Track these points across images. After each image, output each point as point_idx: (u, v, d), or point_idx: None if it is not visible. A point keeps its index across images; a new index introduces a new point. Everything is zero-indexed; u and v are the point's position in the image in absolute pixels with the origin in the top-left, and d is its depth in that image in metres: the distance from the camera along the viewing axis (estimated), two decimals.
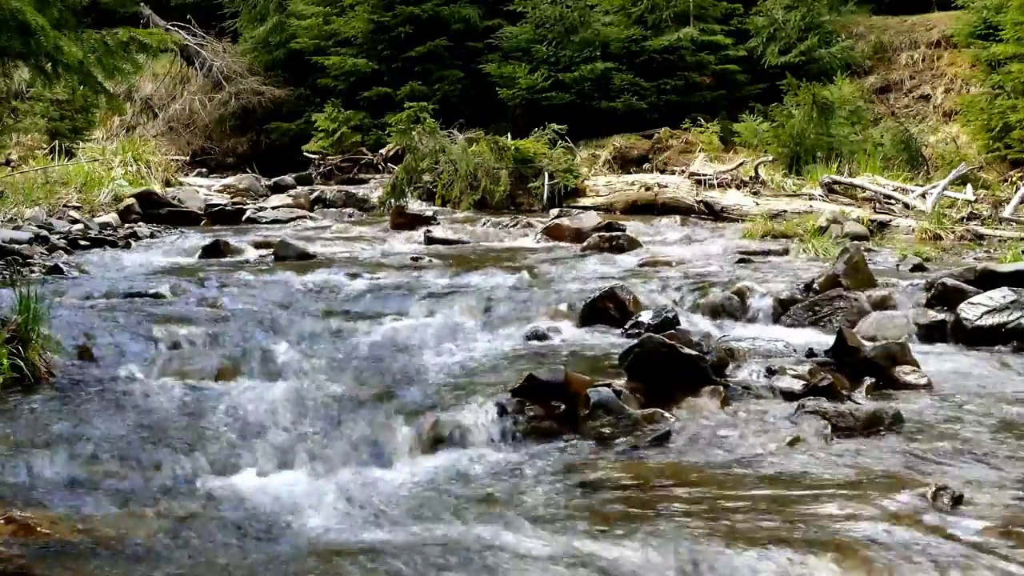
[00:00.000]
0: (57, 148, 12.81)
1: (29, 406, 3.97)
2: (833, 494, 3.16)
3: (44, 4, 5.70)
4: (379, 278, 6.96)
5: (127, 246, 8.93)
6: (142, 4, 18.84)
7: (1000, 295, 5.34)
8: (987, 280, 5.78)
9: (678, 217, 11.08)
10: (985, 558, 2.68)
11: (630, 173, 13.59)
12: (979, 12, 13.71)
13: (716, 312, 5.92)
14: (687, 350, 4.20)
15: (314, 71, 18.47)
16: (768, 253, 8.17)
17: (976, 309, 5.30)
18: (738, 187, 12.01)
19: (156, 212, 10.98)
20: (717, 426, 3.86)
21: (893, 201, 10.38)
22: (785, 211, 10.39)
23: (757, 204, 10.98)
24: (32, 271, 6.96)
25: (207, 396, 4.16)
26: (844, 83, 14.07)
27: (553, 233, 9.50)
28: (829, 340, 4.76)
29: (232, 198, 13.14)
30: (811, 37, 15.60)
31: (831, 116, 12.78)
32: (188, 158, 18.05)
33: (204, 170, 17.64)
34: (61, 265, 7.19)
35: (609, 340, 5.26)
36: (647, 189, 11.89)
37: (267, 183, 15.07)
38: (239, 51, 19.93)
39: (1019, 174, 11.49)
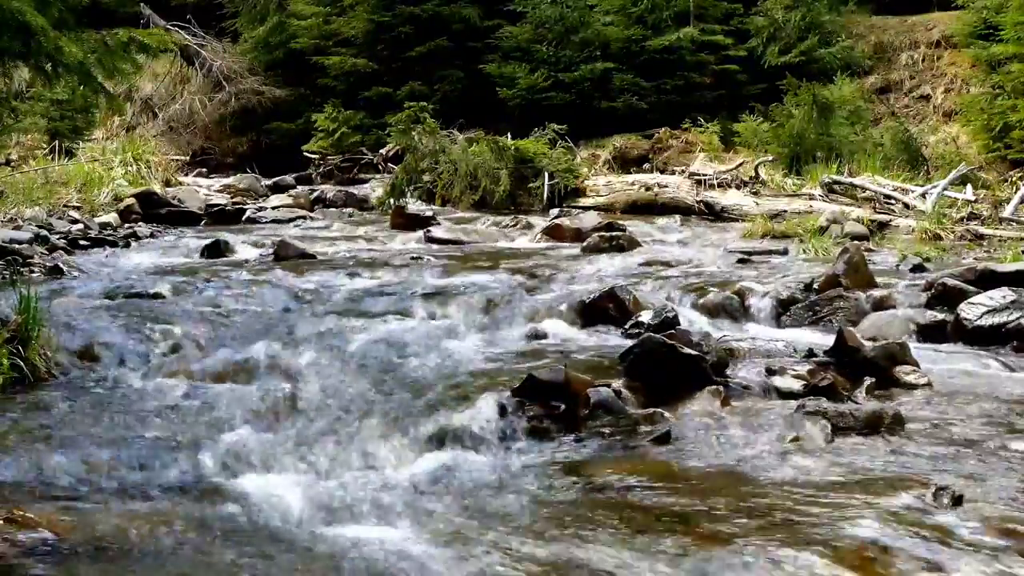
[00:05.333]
0: (57, 148, 12.81)
1: (29, 406, 3.97)
2: (833, 494, 3.16)
3: (44, 4, 5.70)
4: (379, 278, 6.96)
5: (127, 246, 8.94)
6: (142, 4, 18.86)
7: (1000, 295, 5.34)
8: (987, 280, 5.79)
9: (678, 217, 11.09)
10: (985, 558, 2.68)
11: (630, 173, 13.58)
12: (979, 12, 13.71)
13: (716, 312, 5.91)
14: (687, 350, 4.20)
15: (314, 71, 18.48)
16: (768, 253, 8.17)
17: (976, 309, 5.30)
18: (738, 187, 12.01)
19: (156, 212, 10.98)
20: (717, 426, 3.85)
21: (893, 201, 10.38)
22: (785, 211, 10.39)
23: (757, 204, 10.98)
24: (32, 271, 6.96)
25: (207, 396, 4.16)
26: (844, 83, 14.07)
27: (553, 233, 9.50)
28: (829, 340, 4.76)
29: (232, 198, 13.15)
30: (811, 37, 15.60)
31: (831, 116, 12.78)
32: (188, 158, 18.05)
33: (204, 170, 17.64)
34: (61, 265, 7.19)
35: (609, 340, 5.25)
36: (647, 189, 11.89)
37: (267, 183, 15.09)
38: (239, 51, 19.93)
39: (1019, 174, 11.48)
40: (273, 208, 12.16)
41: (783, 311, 5.90)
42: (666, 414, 3.92)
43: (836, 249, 7.44)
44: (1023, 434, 3.76)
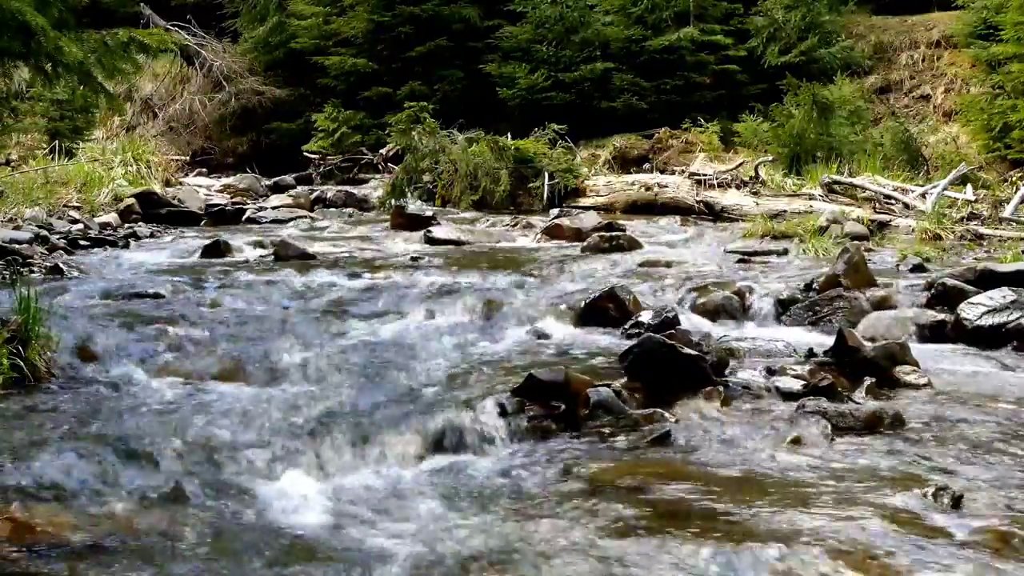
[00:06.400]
0: (57, 148, 12.81)
1: (29, 406, 3.97)
2: (833, 494, 3.16)
3: (44, 4, 5.70)
4: (379, 278, 6.96)
5: (127, 246, 8.93)
6: (142, 4, 18.85)
7: (1000, 295, 5.34)
8: (987, 280, 5.79)
9: (678, 217, 11.08)
10: (985, 558, 2.68)
11: (630, 173, 13.58)
12: (979, 12, 13.71)
13: (716, 312, 5.92)
14: (687, 350, 4.20)
15: (314, 71, 18.47)
16: (768, 253, 8.17)
17: (976, 309, 5.30)
18: (738, 187, 12.00)
19: (156, 212, 10.98)
20: (717, 426, 3.86)
21: (893, 201, 10.37)
22: (785, 211, 10.38)
23: (757, 204, 10.98)
24: (32, 271, 6.96)
25: (207, 396, 4.16)
26: (844, 83, 14.06)
27: (553, 233, 9.50)
28: (829, 340, 4.76)
29: (232, 198, 13.16)
30: (811, 37, 15.59)
31: (831, 116, 12.77)
32: (188, 158, 18.05)
33: (204, 170, 17.64)
34: (61, 265, 7.19)
35: (609, 340, 5.26)
36: (647, 189, 11.89)
37: (267, 183, 15.10)
38: (239, 51, 19.92)
39: (1019, 174, 11.48)
40: (273, 208, 12.16)
41: (783, 311, 5.90)
42: (666, 414, 3.92)
43: (836, 249, 7.43)
44: (1022, 434, 3.77)
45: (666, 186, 11.90)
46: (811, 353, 4.70)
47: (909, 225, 9.41)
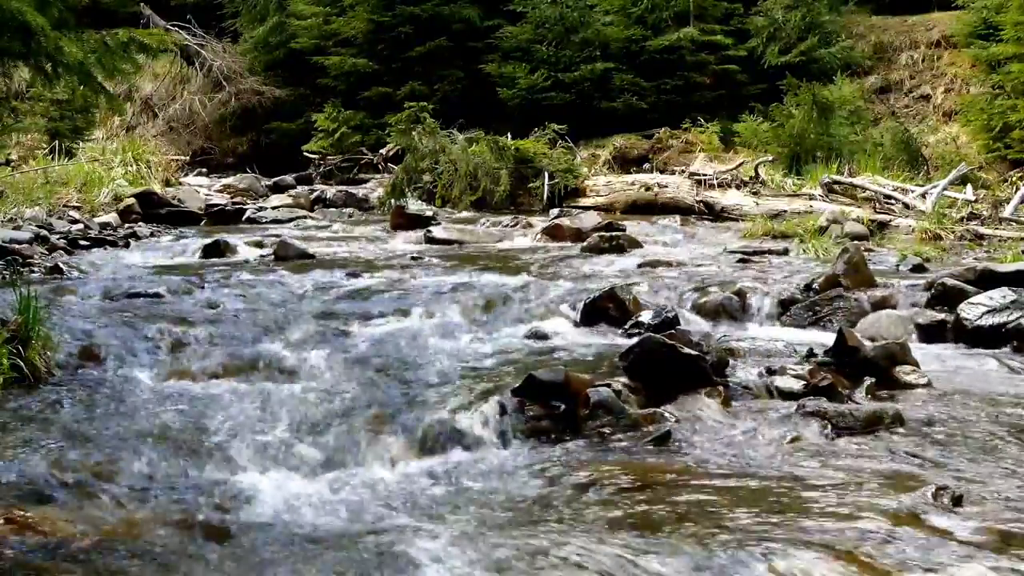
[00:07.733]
0: (57, 148, 12.82)
1: (29, 406, 3.97)
2: (833, 494, 3.16)
3: (44, 4, 5.70)
4: (379, 278, 6.96)
5: (127, 246, 8.93)
6: (142, 4, 18.86)
7: (1000, 295, 5.34)
8: (987, 280, 5.79)
9: (678, 217, 11.09)
10: (985, 558, 2.68)
11: (630, 173, 13.59)
12: (979, 12, 13.73)
13: (716, 312, 5.92)
14: (687, 350, 4.20)
15: (314, 71, 18.48)
16: (768, 253, 8.17)
17: (976, 309, 5.31)
18: (738, 187, 12.01)
19: (156, 212, 10.99)
20: (717, 426, 3.86)
21: (893, 201, 10.38)
22: (785, 211, 10.40)
23: (757, 204, 10.99)
24: (32, 271, 6.96)
25: (206, 396, 4.16)
26: (844, 83, 14.08)
27: (553, 233, 9.50)
28: (829, 340, 4.76)
29: (232, 198, 13.17)
30: (811, 37, 15.60)
31: (831, 116, 12.78)
32: (188, 158, 18.06)
33: (204, 170, 17.65)
34: (61, 265, 7.19)
35: (609, 340, 5.25)
36: (647, 189, 11.89)
37: (267, 183, 15.11)
38: (239, 51, 19.95)
39: (1019, 174, 11.49)
40: (273, 208, 12.17)
41: (783, 311, 5.90)
42: (666, 414, 3.92)
43: (836, 249, 7.43)
44: (1022, 434, 3.77)
45: (666, 186, 11.91)
46: (811, 353, 4.70)
47: (909, 225, 9.41)
